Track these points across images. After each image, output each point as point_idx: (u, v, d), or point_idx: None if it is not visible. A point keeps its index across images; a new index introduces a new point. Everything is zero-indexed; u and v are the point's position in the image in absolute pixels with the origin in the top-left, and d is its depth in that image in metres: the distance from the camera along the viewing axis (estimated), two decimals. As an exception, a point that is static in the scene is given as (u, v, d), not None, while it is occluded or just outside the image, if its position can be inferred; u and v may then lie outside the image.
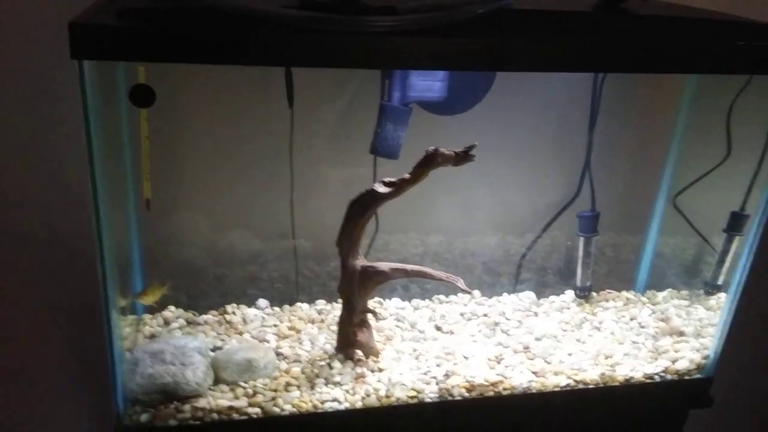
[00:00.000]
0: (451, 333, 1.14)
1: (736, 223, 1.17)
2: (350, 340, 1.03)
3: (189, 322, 1.12)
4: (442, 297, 1.25)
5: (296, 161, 1.09)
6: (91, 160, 0.76)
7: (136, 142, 0.96)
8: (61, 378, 1.21)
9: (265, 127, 1.09)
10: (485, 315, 1.20)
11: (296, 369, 1.01)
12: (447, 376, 1.01)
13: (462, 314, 1.20)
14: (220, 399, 0.94)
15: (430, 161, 0.89)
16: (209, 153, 1.11)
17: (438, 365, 1.04)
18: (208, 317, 1.14)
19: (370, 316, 1.05)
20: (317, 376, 1.00)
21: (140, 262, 1.10)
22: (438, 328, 1.15)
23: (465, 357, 1.07)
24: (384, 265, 1.00)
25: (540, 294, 1.27)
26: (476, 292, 1.25)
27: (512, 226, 1.28)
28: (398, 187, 0.92)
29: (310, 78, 1.03)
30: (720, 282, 1.22)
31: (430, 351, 1.08)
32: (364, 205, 0.94)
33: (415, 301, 1.23)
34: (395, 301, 1.23)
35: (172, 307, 1.15)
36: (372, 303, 1.21)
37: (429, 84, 1.00)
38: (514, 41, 0.77)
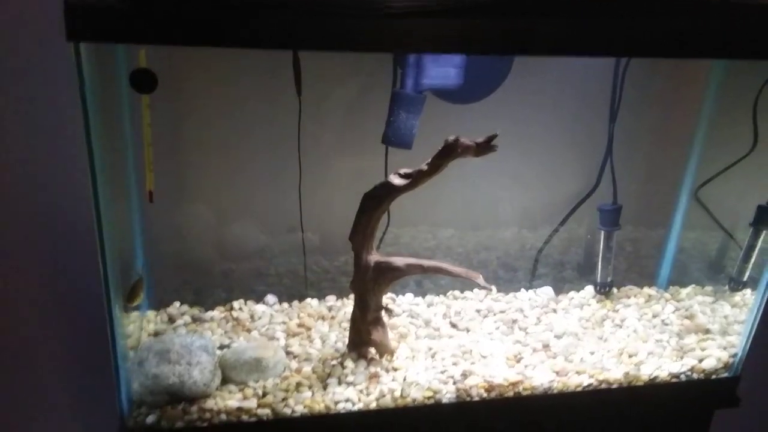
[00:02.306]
0: (467, 330, 1.10)
1: (763, 217, 1.12)
2: (363, 338, 0.99)
3: (194, 319, 1.08)
4: (456, 293, 1.21)
5: (304, 151, 1.05)
6: (90, 150, 0.72)
7: (138, 130, 0.91)
8: (60, 376, 1.17)
9: (273, 116, 1.05)
10: (502, 312, 1.15)
11: (307, 368, 0.97)
12: (465, 375, 0.97)
13: (478, 311, 1.16)
14: (229, 400, 0.90)
15: (450, 151, 0.84)
16: (214, 142, 1.07)
17: (455, 364, 1.00)
18: (214, 314, 1.10)
19: (383, 313, 1.01)
20: (329, 375, 0.96)
21: (143, 256, 1.06)
22: (453, 325, 1.11)
23: (483, 356, 1.03)
24: (399, 260, 0.95)
25: (558, 290, 1.23)
26: (492, 288, 1.21)
27: (527, 219, 1.24)
28: (415, 179, 0.87)
29: (319, 65, 0.99)
30: (746, 278, 1.17)
31: (446, 349, 1.04)
32: (379, 198, 0.89)
33: (429, 297, 1.19)
34: (408, 297, 1.19)
35: (176, 304, 1.11)
36: (385, 299, 1.17)
37: (444, 70, 0.95)
38: (536, 23, 0.73)
